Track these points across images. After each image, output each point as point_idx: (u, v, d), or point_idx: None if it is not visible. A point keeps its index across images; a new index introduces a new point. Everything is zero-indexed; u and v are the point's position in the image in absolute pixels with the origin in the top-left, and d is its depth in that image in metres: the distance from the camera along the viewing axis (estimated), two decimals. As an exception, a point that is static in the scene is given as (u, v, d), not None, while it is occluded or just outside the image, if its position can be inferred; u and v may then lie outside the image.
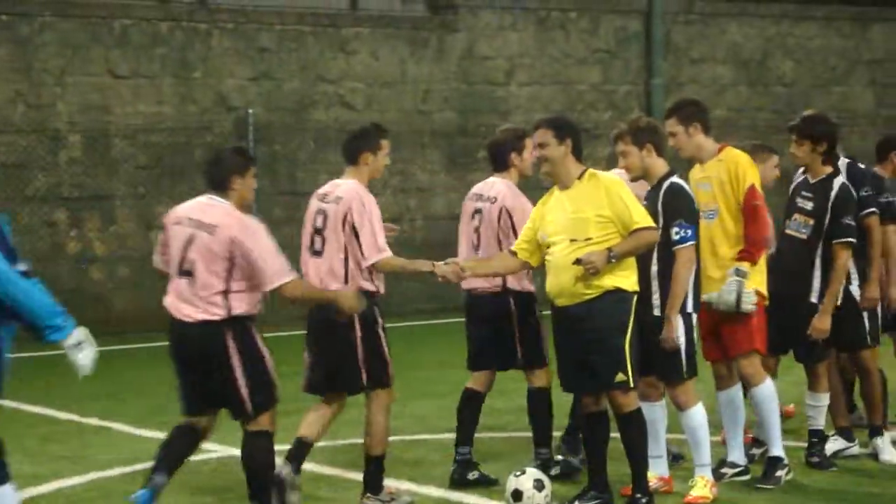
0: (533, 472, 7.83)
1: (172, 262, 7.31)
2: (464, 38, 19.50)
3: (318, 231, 7.90)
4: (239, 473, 7.46)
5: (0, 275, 6.16)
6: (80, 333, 6.38)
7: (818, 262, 8.64)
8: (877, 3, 22.88)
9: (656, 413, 8.23)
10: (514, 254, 7.95)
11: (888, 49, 22.84)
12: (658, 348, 7.92)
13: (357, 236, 7.78)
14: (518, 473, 7.80)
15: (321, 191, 8.10)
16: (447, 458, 8.75)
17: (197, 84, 17.78)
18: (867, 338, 8.96)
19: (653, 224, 7.69)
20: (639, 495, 7.75)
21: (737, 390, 8.50)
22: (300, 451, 7.90)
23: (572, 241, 7.60)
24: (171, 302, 7.28)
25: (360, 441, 8.10)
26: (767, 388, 8.39)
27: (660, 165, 8.15)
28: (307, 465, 8.17)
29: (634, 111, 19.84)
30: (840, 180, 8.74)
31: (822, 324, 8.62)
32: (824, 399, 8.86)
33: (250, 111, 17.77)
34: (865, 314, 8.92)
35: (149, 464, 7.52)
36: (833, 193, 8.65)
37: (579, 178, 7.71)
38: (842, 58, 22.48)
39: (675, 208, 7.98)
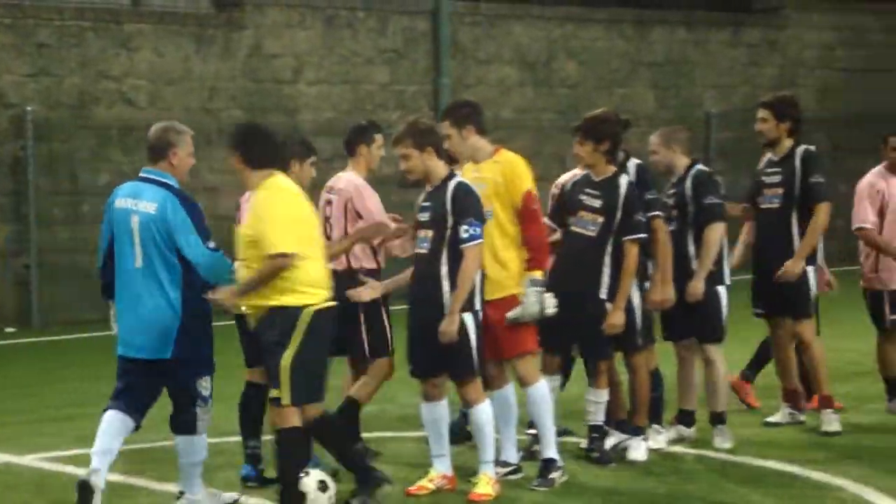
0: (316, 474, 7.74)
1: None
2: (250, 36, 19.29)
3: (326, 219, 8.93)
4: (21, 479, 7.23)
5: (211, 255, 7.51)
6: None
7: (608, 259, 8.77)
8: (658, 6, 23.43)
9: (439, 412, 8.25)
10: None
11: (668, 52, 23.40)
12: (447, 347, 7.94)
13: (362, 219, 8.86)
14: (302, 475, 7.71)
15: (328, 183, 9.12)
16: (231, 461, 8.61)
17: (-28, 80, 17.20)
18: (638, 341, 9.09)
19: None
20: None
21: (508, 389, 8.54)
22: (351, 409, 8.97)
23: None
24: None
25: (146, 446, 7.87)
26: (542, 388, 8.47)
27: (440, 167, 8.20)
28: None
29: (423, 110, 19.92)
30: (626, 178, 8.89)
31: (616, 319, 8.76)
32: (604, 395, 8.97)
33: (28, 108, 17.26)
34: (639, 317, 9.05)
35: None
36: (622, 191, 8.79)
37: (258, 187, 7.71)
38: (624, 60, 22.93)
39: (466, 207, 8.02)
